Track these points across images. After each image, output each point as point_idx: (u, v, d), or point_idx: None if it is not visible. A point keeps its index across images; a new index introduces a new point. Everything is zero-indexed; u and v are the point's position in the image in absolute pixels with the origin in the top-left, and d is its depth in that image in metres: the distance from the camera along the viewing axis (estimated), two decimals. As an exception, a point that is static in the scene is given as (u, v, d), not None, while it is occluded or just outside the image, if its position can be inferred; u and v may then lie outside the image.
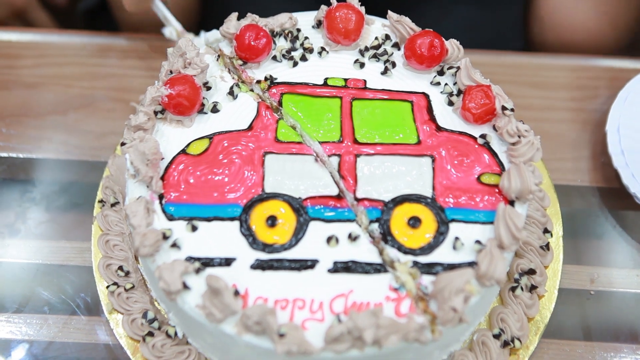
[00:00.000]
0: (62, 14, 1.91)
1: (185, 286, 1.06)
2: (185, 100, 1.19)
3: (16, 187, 1.42)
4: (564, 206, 1.36)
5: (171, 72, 1.24)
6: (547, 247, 1.28)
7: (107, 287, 1.25)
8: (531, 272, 1.24)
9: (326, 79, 1.26)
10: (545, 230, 1.30)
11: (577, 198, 1.42)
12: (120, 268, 1.26)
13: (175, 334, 1.19)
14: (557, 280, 1.28)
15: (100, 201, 1.35)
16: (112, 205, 1.33)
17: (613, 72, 1.55)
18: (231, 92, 1.24)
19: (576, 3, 1.71)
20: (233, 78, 1.27)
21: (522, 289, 1.23)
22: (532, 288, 1.24)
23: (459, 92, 1.24)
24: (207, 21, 1.78)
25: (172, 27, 1.46)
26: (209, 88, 1.25)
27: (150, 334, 1.20)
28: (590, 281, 1.32)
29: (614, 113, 1.42)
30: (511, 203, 1.14)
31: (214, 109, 1.23)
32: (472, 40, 1.65)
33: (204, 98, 1.23)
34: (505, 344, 1.19)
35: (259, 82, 1.26)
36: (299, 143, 1.19)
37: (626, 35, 1.76)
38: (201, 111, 1.23)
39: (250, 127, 1.21)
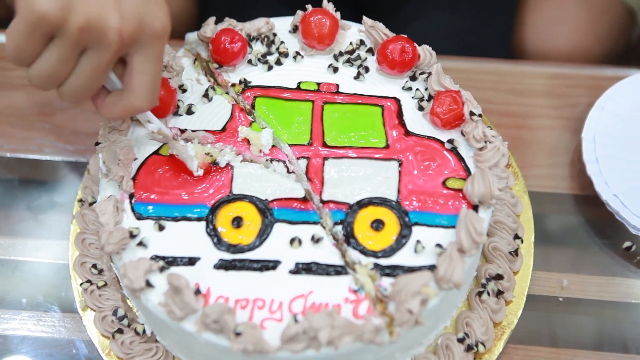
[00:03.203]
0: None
1: (149, 284, 1.08)
2: (160, 103, 1.21)
3: (-1, 186, 1.45)
4: (538, 212, 1.36)
5: None
6: (516, 252, 1.28)
7: (81, 284, 1.27)
8: (498, 277, 1.25)
9: (299, 83, 1.28)
10: (516, 237, 1.31)
11: (552, 205, 1.42)
12: (94, 266, 1.28)
13: (144, 331, 1.21)
14: (526, 286, 1.28)
15: (80, 200, 1.37)
16: (90, 204, 1.35)
17: (594, 80, 1.55)
18: (206, 95, 1.26)
19: (563, 19, 1.73)
20: (209, 81, 1.29)
21: (488, 293, 1.23)
22: (499, 293, 1.24)
23: (430, 97, 1.25)
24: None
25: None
26: (184, 90, 1.27)
27: (120, 331, 1.22)
28: (560, 288, 1.32)
29: (591, 121, 1.42)
30: (475, 208, 1.15)
31: (189, 111, 1.25)
32: (460, 48, 1.66)
33: (179, 100, 1.25)
34: (469, 348, 1.20)
35: (233, 85, 1.28)
36: (272, 146, 1.22)
37: (610, 49, 1.76)
38: (176, 113, 1.25)
39: (223, 129, 1.23)
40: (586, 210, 1.41)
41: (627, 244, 1.36)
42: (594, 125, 1.42)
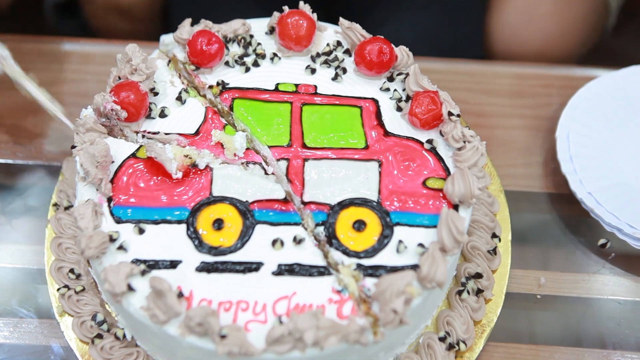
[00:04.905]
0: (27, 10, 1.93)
1: (130, 288, 1.07)
2: (131, 107, 1.21)
3: (-28, 191, 1.43)
4: (514, 211, 1.38)
5: (119, 77, 1.25)
6: (494, 251, 1.30)
7: (58, 289, 1.26)
8: (478, 276, 1.26)
9: (277, 84, 1.28)
10: (494, 235, 1.32)
11: (528, 203, 1.44)
12: (72, 271, 1.27)
13: (124, 336, 1.20)
14: (505, 284, 1.29)
15: (55, 205, 1.35)
16: (66, 208, 1.34)
17: (565, 80, 1.58)
18: (179, 98, 1.26)
19: (532, 18, 1.75)
20: (183, 83, 1.28)
21: (468, 292, 1.25)
22: (479, 292, 1.25)
23: (408, 97, 1.26)
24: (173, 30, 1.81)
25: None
26: (156, 94, 1.26)
27: (99, 336, 1.21)
28: (538, 285, 1.34)
29: (564, 120, 1.45)
30: (455, 207, 1.15)
31: (162, 114, 1.24)
32: (432, 48, 1.68)
33: (151, 103, 1.24)
34: (451, 346, 1.21)
35: (211, 87, 1.27)
36: (246, 149, 1.21)
37: (579, 49, 1.79)
38: (149, 116, 1.24)
39: (197, 133, 1.22)
40: (561, 208, 1.43)
41: (602, 241, 1.38)
42: (567, 124, 1.44)
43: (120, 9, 1.87)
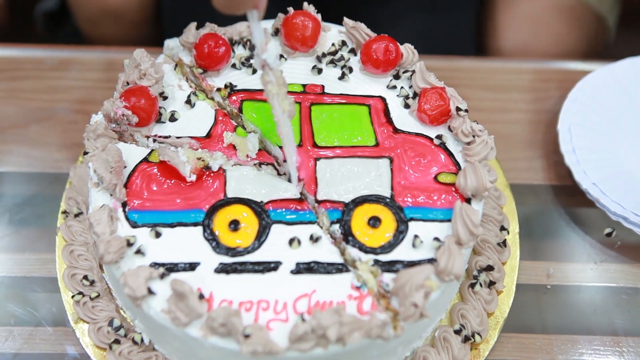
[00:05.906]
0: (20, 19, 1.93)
1: (150, 291, 1.07)
2: (142, 112, 1.21)
3: (-22, 201, 1.42)
4: (519, 204, 1.40)
5: (127, 83, 1.25)
6: (504, 244, 1.32)
7: (73, 296, 1.26)
8: (489, 268, 1.28)
9: (285, 85, 1.29)
10: (502, 228, 1.34)
11: (532, 196, 1.46)
12: (85, 277, 1.26)
13: (142, 340, 1.20)
14: (515, 275, 1.31)
15: (64, 212, 1.35)
16: (76, 215, 1.33)
17: (563, 74, 1.60)
18: (188, 101, 1.26)
19: (530, 17, 1.77)
20: (191, 87, 1.29)
21: (481, 285, 1.26)
22: (491, 284, 1.27)
23: (415, 94, 1.27)
24: (167, 34, 1.81)
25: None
26: (165, 98, 1.26)
27: (117, 341, 1.21)
28: (547, 276, 1.36)
29: (565, 113, 1.47)
30: (468, 201, 1.17)
31: (172, 118, 1.24)
32: (425, 46, 1.69)
33: (161, 108, 1.25)
34: (466, 339, 1.22)
35: (219, 89, 1.28)
36: (258, 150, 1.22)
37: (579, 46, 1.82)
38: (159, 121, 1.24)
39: (208, 135, 1.23)
40: (565, 199, 1.45)
41: (607, 230, 1.40)
42: (568, 117, 1.46)
43: (112, 15, 1.87)
